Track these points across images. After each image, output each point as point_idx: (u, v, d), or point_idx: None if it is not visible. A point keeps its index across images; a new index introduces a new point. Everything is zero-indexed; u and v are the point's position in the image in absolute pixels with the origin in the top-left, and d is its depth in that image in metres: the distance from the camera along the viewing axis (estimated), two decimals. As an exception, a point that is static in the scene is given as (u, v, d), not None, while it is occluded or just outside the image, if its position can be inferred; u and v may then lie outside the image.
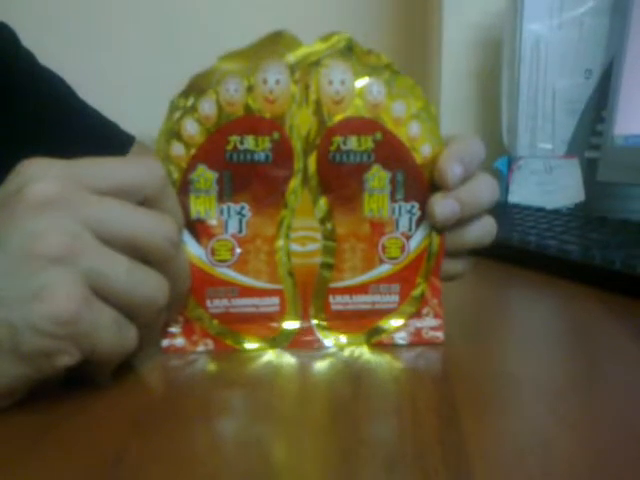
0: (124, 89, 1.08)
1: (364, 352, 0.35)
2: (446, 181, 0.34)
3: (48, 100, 0.65)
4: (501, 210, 0.77)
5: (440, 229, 0.35)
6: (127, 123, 0.71)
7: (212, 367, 0.33)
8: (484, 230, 0.36)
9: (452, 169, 0.34)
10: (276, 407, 0.29)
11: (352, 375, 0.32)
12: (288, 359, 0.34)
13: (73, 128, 0.66)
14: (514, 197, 0.85)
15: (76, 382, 0.29)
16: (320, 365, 0.33)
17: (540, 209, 0.74)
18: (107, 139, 0.68)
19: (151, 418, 0.28)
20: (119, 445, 0.25)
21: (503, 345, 0.37)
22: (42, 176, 0.27)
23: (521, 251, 0.56)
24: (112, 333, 0.28)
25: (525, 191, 0.85)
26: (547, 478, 0.22)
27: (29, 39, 0.66)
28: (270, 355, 0.34)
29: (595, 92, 0.84)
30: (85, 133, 0.67)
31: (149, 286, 0.29)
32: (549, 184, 0.85)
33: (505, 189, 0.85)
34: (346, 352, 0.35)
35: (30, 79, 0.64)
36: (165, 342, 0.34)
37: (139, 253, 0.29)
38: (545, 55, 0.84)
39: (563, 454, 0.24)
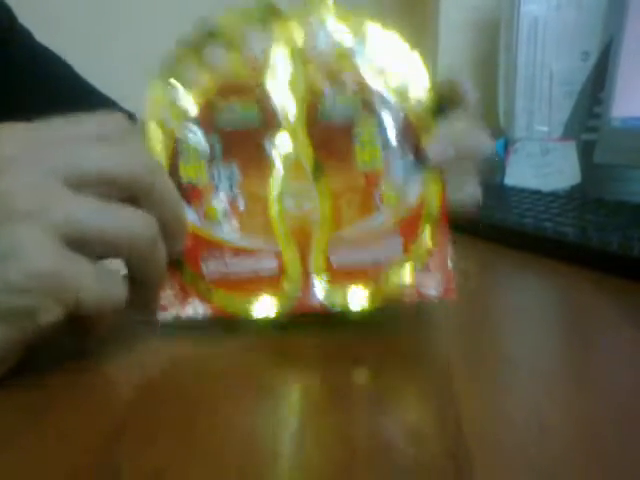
0: (120, 67, 1.07)
1: (374, 335, 0.34)
2: (463, 90, 0.35)
3: (46, 76, 0.64)
4: (498, 192, 0.77)
5: (439, 175, 0.34)
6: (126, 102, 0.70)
7: (219, 350, 0.33)
8: (471, 190, 0.37)
9: (465, 83, 0.35)
10: (278, 388, 0.28)
11: (350, 354, 0.32)
12: (297, 344, 0.33)
13: (72, 104, 0.65)
14: (511, 179, 0.85)
15: (75, 355, 0.29)
16: (318, 335, 0.33)
17: (537, 191, 0.74)
18: None
19: (150, 393, 0.28)
20: (118, 421, 0.25)
21: (499, 327, 0.37)
22: (7, 138, 0.27)
23: (518, 233, 0.56)
24: (94, 283, 0.27)
25: (522, 173, 0.85)
26: (543, 457, 0.22)
27: (23, 17, 0.65)
28: (271, 322, 0.34)
29: (592, 74, 0.84)
30: (84, 109, 0.66)
31: (130, 223, 0.28)
32: (546, 166, 0.85)
33: (502, 171, 0.85)
34: (356, 335, 0.34)
35: (28, 55, 0.64)
36: (161, 309, 0.33)
37: (116, 189, 0.28)
38: (543, 36, 0.83)
39: (559, 433, 0.24)
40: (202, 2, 1.08)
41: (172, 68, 0.33)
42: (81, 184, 0.27)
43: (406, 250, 0.35)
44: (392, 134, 0.34)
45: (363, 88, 0.34)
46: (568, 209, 0.61)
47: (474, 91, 0.34)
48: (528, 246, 0.55)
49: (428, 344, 0.34)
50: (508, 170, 0.85)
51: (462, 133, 0.35)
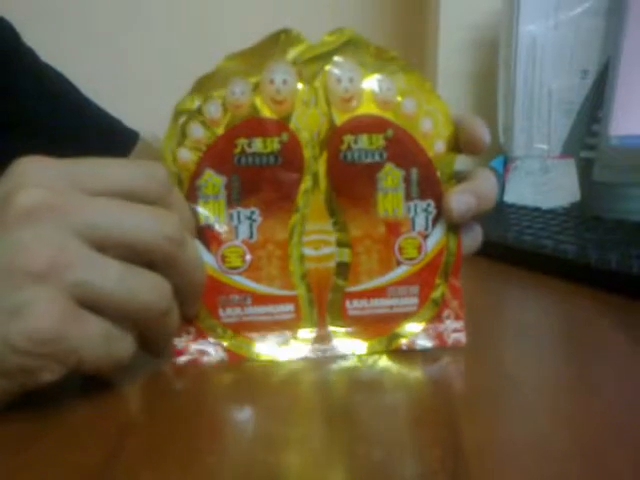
0: (125, 87, 1.08)
1: (377, 358, 0.34)
2: (482, 140, 0.34)
3: (51, 97, 0.65)
4: (497, 210, 0.77)
5: (456, 225, 0.35)
6: (128, 121, 0.71)
7: (219, 373, 0.33)
8: (476, 237, 0.36)
9: (485, 133, 0.34)
10: (278, 409, 0.28)
11: (355, 377, 0.32)
12: (299, 367, 0.33)
13: (76, 125, 0.66)
14: (510, 197, 0.85)
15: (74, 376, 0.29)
16: (324, 370, 0.33)
17: (536, 209, 0.74)
18: (111, 135, 0.68)
19: (149, 415, 0.28)
20: (117, 441, 0.25)
21: (500, 345, 0.37)
22: (33, 181, 0.26)
23: (517, 251, 0.56)
24: (100, 346, 0.26)
25: (521, 191, 0.85)
26: (543, 477, 0.22)
27: (27, 35, 0.66)
28: (283, 364, 0.33)
29: (591, 92, 0.84)
30: (88, 129, 0.67)
31: (144, 291, 0.27)
32: (545, 184, 0.86)
33: (501, 189, 0.85)
34: (359, 359, 0.34)
35: (32, 76, 0.64)
36: (178, 353, 0.33)
37: (137, 255, 0.27)
38: (541, 55, 0.84)
39: (559, 453, 0.24)
40: (219, 24, 1.09)
41: (192, 101, 0.32)
42: (103, 246, 0.27)
43: (422, 299, 0.35)
44: (416, 184, 0.34)
45: (388, 132, 0.33)
46: (567, 227, 0.61)
47: (488, 132, 0.34)
48: (527, 264, 0.55)
49: (427, 362, 0.34)
50: (507, 188, 0.86)
51: (482, 182, 0.35)
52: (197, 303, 0.32)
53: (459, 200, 0.34)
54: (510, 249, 0.57)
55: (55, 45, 0.72)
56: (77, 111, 0.67)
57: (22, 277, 0.25)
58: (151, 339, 0.30)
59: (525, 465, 0.23)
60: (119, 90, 1.05)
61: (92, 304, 0.26)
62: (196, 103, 0.32)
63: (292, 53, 0.32)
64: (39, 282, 0.25)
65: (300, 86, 0.32)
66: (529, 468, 0.23)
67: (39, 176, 0.27)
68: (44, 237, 0.25)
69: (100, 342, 0.26)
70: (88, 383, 0.29)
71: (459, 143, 0.35)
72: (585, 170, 0.84)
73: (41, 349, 0.25)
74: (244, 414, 0.28)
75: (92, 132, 0.67)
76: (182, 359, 0.33)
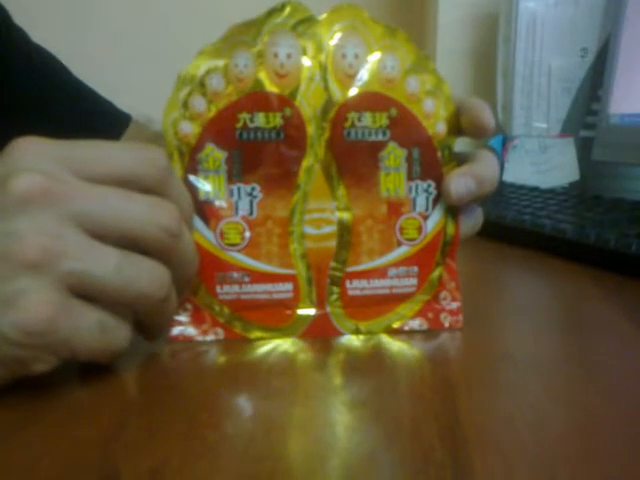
0: (117, 69, 1.07)
1: (375, 338, 0.34)
2: (487, 125, 0.33)
3: (42, 78, 0.64)
4: (496, 189, 0.77)
5: (456, 207, 0.34)
6: (120, 103, 0.70)
7: (219, 353, 0.32)
8: (476, 219, 0.36)
9: (490, 117, 0.33)
10: (277, 388, 0.28)
11: (354, 356, 0.32)
12: (298, 346, 0.33)
13: (68, 106, 0.65)
14: (509, 176, 0.85)
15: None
16: (322, 349, 0.33)
17: (535, 188, 0.74)
18: (103, 117, 0.67)
19: (149, 393, 0.28)
20: (118, 420, 0.25)
21: (498, 324, 0.37)
22: (30, 166, 0.26)
23: (516, 230, 0.56)
24: (94, 337, 0.26)
25: (520, 170, 0.85)
26: (541, 452, 0.22)
27: (18, 16, 0.65)
28: (281, 343, 0.33)
29: (591, 71, 0.84)
30: (80, 111, 0.66)
31: (143, 280, 0.27)
32: (544, 163, 0.85)
33: (500, 168, 0.85)
34: (358, 339, 0.34)
35: (24, 57, 0.63)
36: (174, 331, 0.33)
37: (134, 244, 0.27)
38: (541, 33, 0.83)
39: (557, 429, 0.24)
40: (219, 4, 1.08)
41: (195, 71, 0.31)
42: (99, 234, 0.26)
43: (421, 281, 0.35)
44: (418, 164, 0.34)
45: (391, 111, 0.33)
46: (566, 206, 0.61)
47: (492, 116, 0.34)
48: (526, 243, 0.55)
49: (426, 340, 0.34)
50: (506, 167, 0.85)
51: (483, 165, 0.35)
52: (189, 287, 0.32)
53: (458, 183, 0.33)
54: (509, 228, 0.57)
55: (50, 27, 0.71)
56: (69, 92, 0.66)
57: (15, 266, 0.24)
58: (147, 325, 0.30)
59: (523, 441, 0.23)
60: (112, 72, 1.04)
61: (88, 293, 0.26)
62: (199, 73, 0.31)
63: (297, 28, 0.32)
64: (33, 272, 0.24)
65: (304, 60, 0.32)
66: (527, 444, 0.23)
67: (35, 160, 0.26)
68: (39, 225, 0.25)
69: (94, 333, 0.26)
70: (86, 364, 0.29)
71: (460, 125, 0.34)
72: (584, 149, 0.83)
73: (33, 341, 0.24)
74: (243, 393, 0.28)
75: (84, 113, 0.66)
76: (178, 331, 0.33)
